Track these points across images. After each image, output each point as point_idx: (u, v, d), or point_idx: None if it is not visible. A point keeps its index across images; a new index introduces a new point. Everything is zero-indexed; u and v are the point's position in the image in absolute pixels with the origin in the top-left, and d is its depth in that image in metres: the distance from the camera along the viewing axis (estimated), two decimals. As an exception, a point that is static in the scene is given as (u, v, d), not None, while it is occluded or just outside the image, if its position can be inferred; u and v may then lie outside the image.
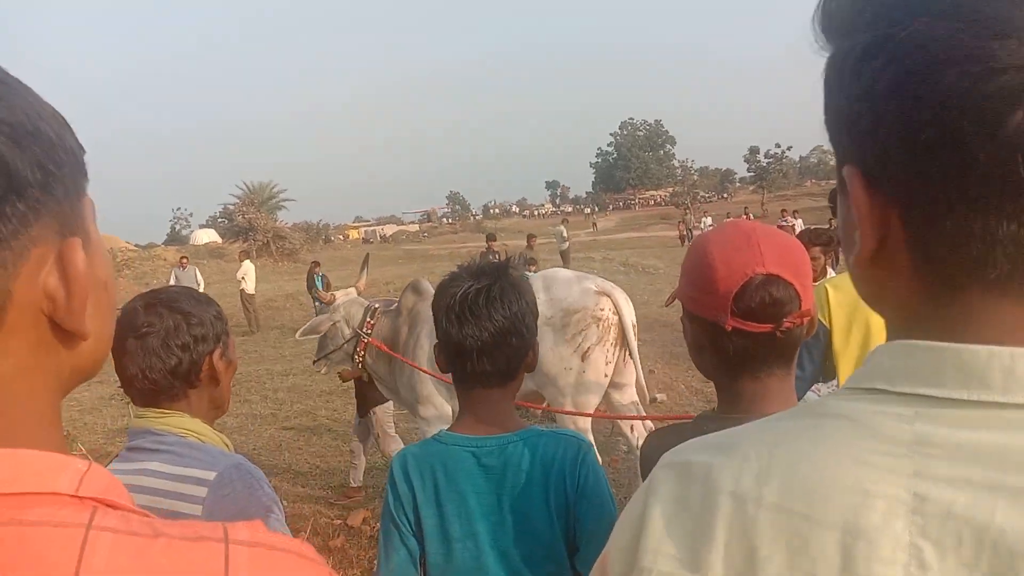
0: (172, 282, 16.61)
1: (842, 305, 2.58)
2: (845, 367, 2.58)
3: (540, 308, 5.02)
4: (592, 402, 4.70)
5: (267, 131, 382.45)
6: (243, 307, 17.23)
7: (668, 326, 15.44)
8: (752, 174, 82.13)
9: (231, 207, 48.78)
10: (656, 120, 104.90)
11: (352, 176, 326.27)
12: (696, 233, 35.00)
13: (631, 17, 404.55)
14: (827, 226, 5.27)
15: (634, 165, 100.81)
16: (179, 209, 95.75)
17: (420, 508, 1.50)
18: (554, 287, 4.73)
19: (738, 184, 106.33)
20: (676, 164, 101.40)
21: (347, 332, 5.18)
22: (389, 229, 79.52)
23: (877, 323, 2.48)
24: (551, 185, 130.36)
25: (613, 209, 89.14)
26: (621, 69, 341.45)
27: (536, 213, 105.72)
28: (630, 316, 4.80)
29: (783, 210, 26.25)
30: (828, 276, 4.88)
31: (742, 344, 1.15)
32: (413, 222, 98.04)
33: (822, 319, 2.59)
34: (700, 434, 1.22)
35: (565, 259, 26.32)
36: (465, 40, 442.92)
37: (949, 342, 0.49)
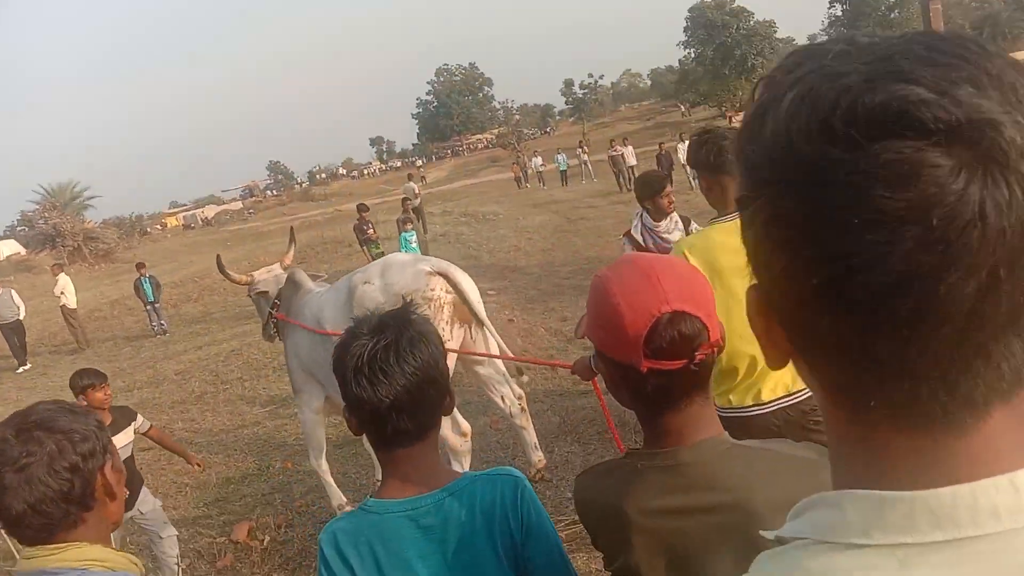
0: None
1: (702, 268, 2.62)
2: None
3: (375, 295, 4.95)
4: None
5: (56, 127, 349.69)
6: (67, 324, 15.84)
7: (518, 271, 15.69)
8: (570, 106, 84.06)
9: (31, 213, 44.51)
10: (471, 63, 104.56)
11: (159, 160, 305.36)
12: (530, 173, 35.54)
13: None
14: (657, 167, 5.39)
15: (455, 111, 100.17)
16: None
17: None
18: (388, 272, 4.82)
19: (558, 118, 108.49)
20: (497, 106, 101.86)
21: (266, 309, 5.49)
22: (210, 211, 74.98)
23: (738, 287, 2.55)
24: (375, 142, 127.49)
25: (441, 158, 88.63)
26: (428, 15, 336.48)
27: (364, 172, 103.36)
28: (472, 292, 4.90)
29: (612, 140, 26.93)
30: (672, 215, 5.05)
31: (659, 382, 1.16)
32: (235, 199, 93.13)
33: None
34: (635, 475, 1.21)
35: (420, 215, 26.13)
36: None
37: (907, 489, 0.49)
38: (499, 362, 5.12)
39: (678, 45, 63.01)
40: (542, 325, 10.88)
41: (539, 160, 34.16)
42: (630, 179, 24.72)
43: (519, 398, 5.12)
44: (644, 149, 29.18)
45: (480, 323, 4.92)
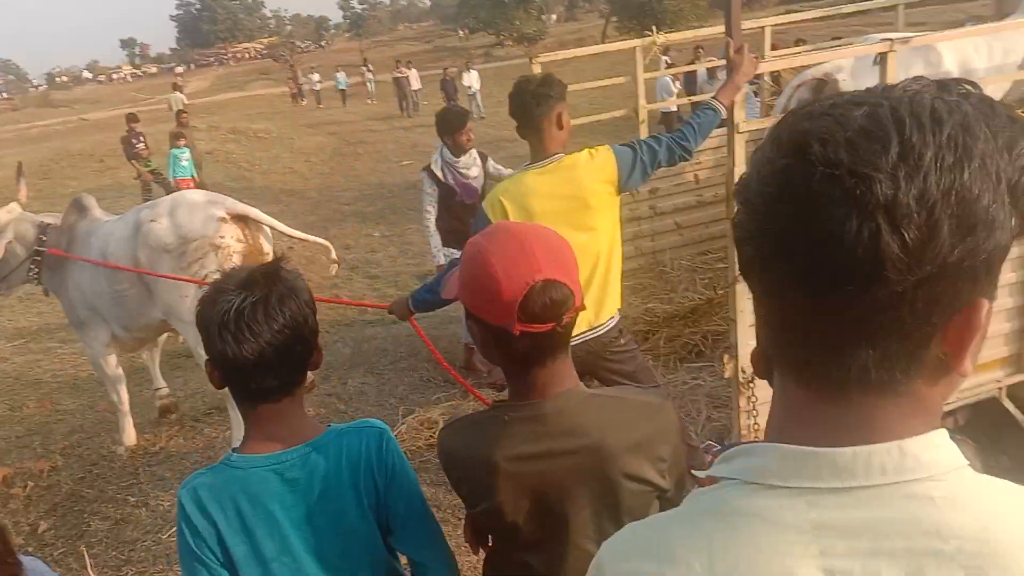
0: None
1: (517, 214, 2.73)
2: None
3: (161, 234, 4.69)
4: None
5: None
6: None
7: (295, 194, 15.08)
8: (347, 21, 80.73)
9: None
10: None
11: None
12: (305, 89, 33.57)
13: None
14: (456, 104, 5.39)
15: (221, 16, 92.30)
16: None
17: (226, 539, 1.41)
18: (178, 212, 4.49)
19: (333, 32, 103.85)
20: (268, 14, 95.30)
21: (21, 252, 4.82)
22: (-77, 110, 64.31)
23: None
24: (127, 43, 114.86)
25: (203, 67, 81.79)
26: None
27: (113, 78, 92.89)
28: (273, 224, 4.72)
29: (397, 61, 26.16)
30: (471, 151, 5.11)
31: (529, 343, 1.26)
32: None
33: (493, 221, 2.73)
34: (502, 426, 1.30)
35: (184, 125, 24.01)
36: None
37: (817, 446, 0.63)
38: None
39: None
40: (323, 254, 10.65)
41: (317, 77, 32.34)
42: (414, 104, 24.37)
43: None
44: (425, 73, 28.75)
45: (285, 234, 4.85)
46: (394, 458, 1.51)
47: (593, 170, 2.73)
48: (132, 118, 13.65)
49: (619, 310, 2.90)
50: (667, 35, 5.12)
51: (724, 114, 2.85)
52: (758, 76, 4.99)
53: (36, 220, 4.89)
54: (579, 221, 2.68)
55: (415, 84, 24.42)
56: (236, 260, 4.47)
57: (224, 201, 4.69)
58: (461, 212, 5.10)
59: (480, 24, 60.81)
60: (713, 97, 2.88)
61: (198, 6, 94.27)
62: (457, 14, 68.53)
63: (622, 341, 2.85)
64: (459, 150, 5.00)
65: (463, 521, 1.57)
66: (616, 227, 2.82)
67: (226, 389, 1.45)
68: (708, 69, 11.76)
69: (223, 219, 4.48)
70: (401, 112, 24.25)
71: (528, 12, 58.58)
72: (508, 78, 5.08)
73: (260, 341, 1.35)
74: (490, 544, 1.49)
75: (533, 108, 2.72)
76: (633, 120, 5.17)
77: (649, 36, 4.78)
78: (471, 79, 21.31)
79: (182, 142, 12.15)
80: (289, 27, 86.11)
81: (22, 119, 49.52)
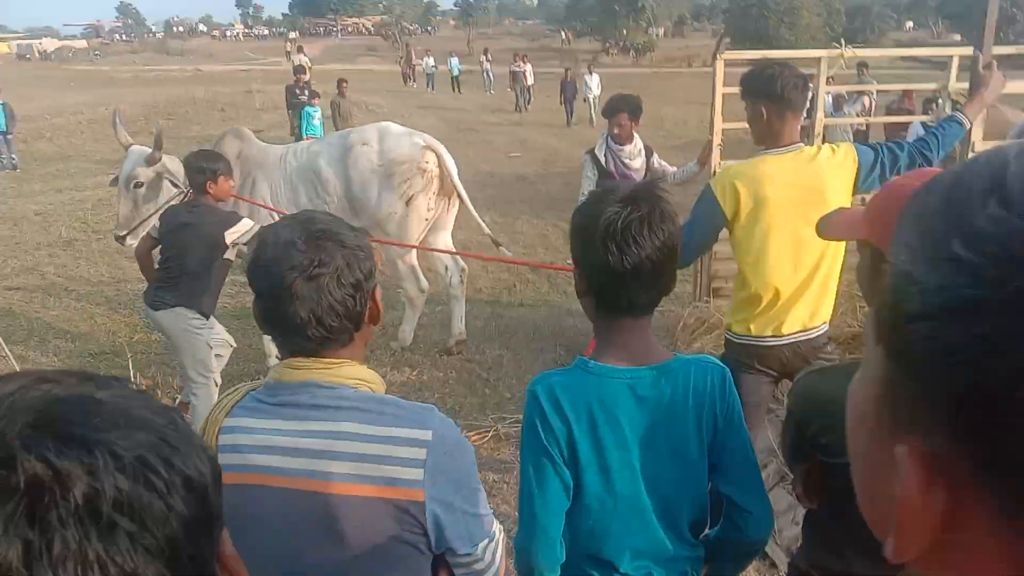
0: None
1: (750, 197, 2.69)
2: (743, 256, 2.79)
3: (371, 157, 5.08)
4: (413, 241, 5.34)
5: None
6: None
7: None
8: (458, 8, 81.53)
9: None
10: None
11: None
12: (418, 71, 33.81)
13: None
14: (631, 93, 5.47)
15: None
16: None
17: (576, 440, 1.48)
18: (387, 139, 5.19)
19: (440, 17, 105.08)
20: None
21: (172, 190, 4.81)
22: (48, 44, 67.39)
23: (779, 219, 2.71)
24: (242, 3, 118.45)
25: (313, 35, 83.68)
26: None
27: (226, 35, 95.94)
28: (454, 168, 5.35)
29: (515, 54, 26.06)
30: (635, 140, 5.19)
31: None
32: (76, 37, 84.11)
33: (722, 206, 2.75)
34: None
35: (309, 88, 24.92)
36: None
37: None
38: (449, 232, 5.72)
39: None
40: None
41: (431, 60, 32.10)
42: (528, 99, 24.17)
43: (461, 270, 5.71)
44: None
45: (460, 198, 5.45)
46: (734, 399, 1.54)
47: (834, 164, 2.69)
48: (300, 70, 14.37)
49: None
50: (855, 50, 5.11)
51: (968, 128, 2.85)
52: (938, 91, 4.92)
53: (173, 157, 4.93)
54: (811, 215, 2.59)
55: (530, 80, 24.26)
56: (435, 186, 5.18)
57: (421, 133, 5.39)
58: None
59: (587, 29, 60.96)
60: (959, 110, 2.87)
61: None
62: (565, 16, 68.90)
63: (828, 349, 2.84)
64: (624, 137, 5.04)
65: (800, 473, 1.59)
66: None
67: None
68: (835, 97, 11.56)
69: (426, 147, 5.19)
70: (516, 108, 24.05)
71: (637, 23, 58.50)
72: (615, 87, 5.15)
73: (641, 254, 1.40)
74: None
75: (794, 93, 2.66)
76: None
77: (838, 48, 4.79)
78: (592, 83, 20.78)
79: (316, 101, 12.64)
80: (399, 8, 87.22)
81: (138, 62, 51.64)
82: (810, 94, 2.84)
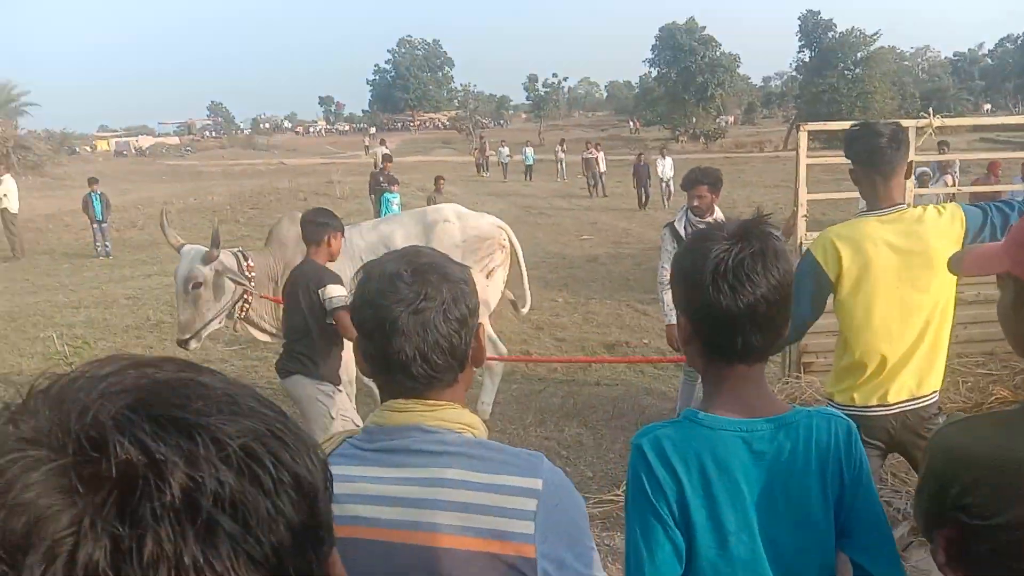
0: None
1: (853, 259, 2.57)
2: (846, 321, 2.65)
3: (454, 233, 5.18)
4: (485, 315, 5.49)
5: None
6: (5, 229, 14.96)
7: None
8: (529, 102, 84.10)
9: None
10: (435, 40, 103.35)
11: (93, 79, 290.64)
12: (492, 161, 35.00)
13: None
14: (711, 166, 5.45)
15: (413, 86, 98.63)
16: None
17: (687, 499, 1.35)
18: (467, 218, 5.53)
19: (511, 112, 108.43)
20: (458, 87, 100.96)
21: (234, 288, 4.62)
22: (144, 141, 72.09)
23: (884, 283, 2.58)
24: (324, 101, 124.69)
25: (391, 130, 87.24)
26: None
27: (309, 131, 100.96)
28: (519, 247, 5.83)
29: (587, 143, 26.70)
30: (715, 213, 5.12)
31: None
32: (169, 135, 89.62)
33: (825, 269, 2.62)
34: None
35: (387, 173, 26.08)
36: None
37: None
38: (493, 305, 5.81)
39: (643, 62, 63.88)
40: (509, 310, 10.93)
41: (506, 150, 33.12)
42: (599, 185, 24.56)
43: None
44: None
45: (521, 274, 5.90)
46: (862, 455, 1.41)
47: (940, 227, 2.56)
48: (387, 158, 14.98)
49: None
50: (944, 119, 4.99)
51: None
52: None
53: (231, 251, 4.82)
54: (915, 278, 2.53)
55: (602, 166, 24.68)
56: (508, 262, 5.59)
57: (490, 215, 5.89)
58: None
59: (657, 117, 61.93)
60: None
61: (393, 74, 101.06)
62: (634, 106, 70.29)
63: (939, 420, 2.66)
64: (703, 210, 4.97)
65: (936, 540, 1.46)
66: (952, 294, 2.62)
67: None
68: (919, 175, 11.33)
69: (500, 226, 5.62)
70: (588, 193, 24.44)
71: (707, 111, 59.21)
72: (687, 170, 5.18)
73: (757, 292, 1.30)
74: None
75: (890, 152, 2.56)
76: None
77: (926, 118, 4.69)
78: (665, 166, 20.97)
79: (395, 188, 13.08)
80: (473, 104, 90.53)
81: (227, 156, 54.52)
82: (910, 154, 2.72)
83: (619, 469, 4.61)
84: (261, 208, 19.93)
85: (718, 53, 60.21)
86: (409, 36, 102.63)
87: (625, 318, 9.59)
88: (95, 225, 14.86)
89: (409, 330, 1.20)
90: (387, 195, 13.14)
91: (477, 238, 5.33)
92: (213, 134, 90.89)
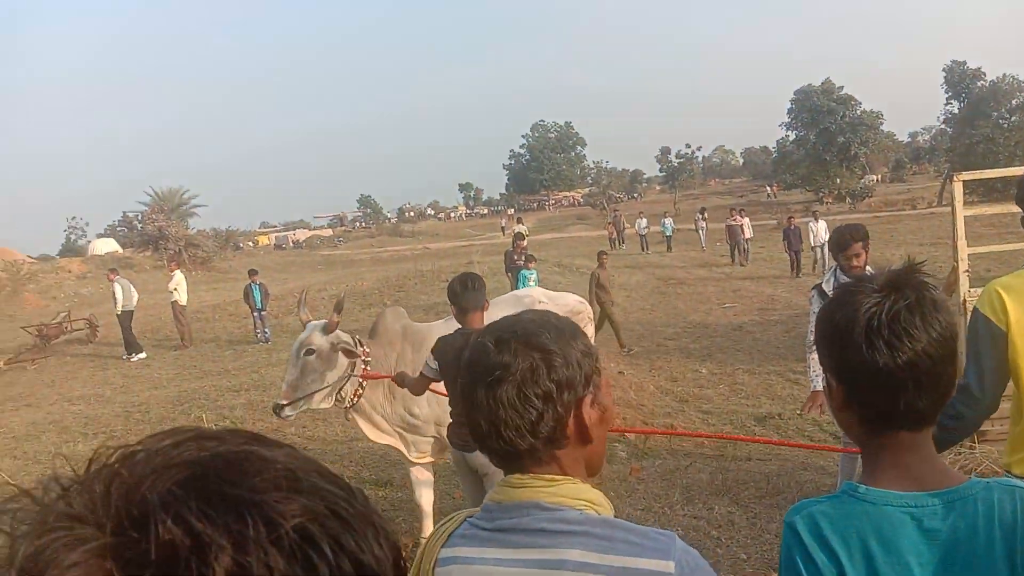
0: (119, 294, 15.56)
1: (1016, 311, 2.35)
2: (1019, 381, 2.36)
3: (550, 309, 5.13)
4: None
5: (156, 138, 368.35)
6: (176, 319, 16.27)
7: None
8: (663, 174, 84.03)
9: (131, 215, 46.48)
10: (567, 122, 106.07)
11: (254, 181, 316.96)
12: (627, 233, 35.09)
13: (545, 19, 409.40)
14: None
15: (547, 167, 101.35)
16: (74, 218, 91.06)
17: None
18: (555, 298, 5.93)
19: (645, 184, 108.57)
20: (591, 165, 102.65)
21: (344, 363, 4.57)
22: (301, 234, 77.40)
23: None
24: (464, 187, 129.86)
25: (527, 210, 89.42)
26: (531, 74, 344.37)
27: (450, 216, 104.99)
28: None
29: (731, 209, 26.15)
30: (866, 272, 4.81)
31: None
32: (323, 227, 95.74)
33: (995, 321, 2.36)
34: None
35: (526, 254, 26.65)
36: (370, 34, 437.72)
37: None
38: None
39: (780, 126, 62.71)
40: (651, 382, 10.64)
41: (644, 222, 32.75)
42: (745, 252, 23.65)
43: None
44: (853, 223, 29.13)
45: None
46: None
47: None
48: (519, 236, 15.39)
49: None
50: None
51: None
52: None
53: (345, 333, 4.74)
54: None
55: (747, 232, 23.74)
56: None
57: (574, 294, 6.48)
58: None
59: (798, 180, 60.15)
60: None
61: (528, 157, 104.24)
62: (774, 170, 68.65)
63: None
64: (852, 271, 4.69)
65: None
66: None
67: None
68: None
69: (582, 302, 6.16)
70: (732, 261, 23.51)
71: (850, 169, 56.95)
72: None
73: (917, 348, 1.16)
74: None
75: None
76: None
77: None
78: (819, 229, 19.20)
79: (532, 264, 13.30)
80: (606, 180, 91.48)
81: (376, 244, 57.46)
82: None
83: (776, 550, 4.27)
84: (406, 291, 20.73)
85: (859, 111, 58.28)
86: (542, 120, 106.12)
87: (776, 388, 9.13)
88: (255, 313, 15.87)
89: (480, 404, 1.15)
90: (524, 272, 13.37)
91: (571, 312, 5.46)
92: (363, 224, 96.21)
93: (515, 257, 14.91)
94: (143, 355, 15.35)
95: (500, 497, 1.18)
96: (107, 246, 47.29)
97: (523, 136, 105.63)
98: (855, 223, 5.00)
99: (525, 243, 16.37)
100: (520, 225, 24.21)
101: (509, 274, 15.40)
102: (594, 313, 12.31)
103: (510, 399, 1.13)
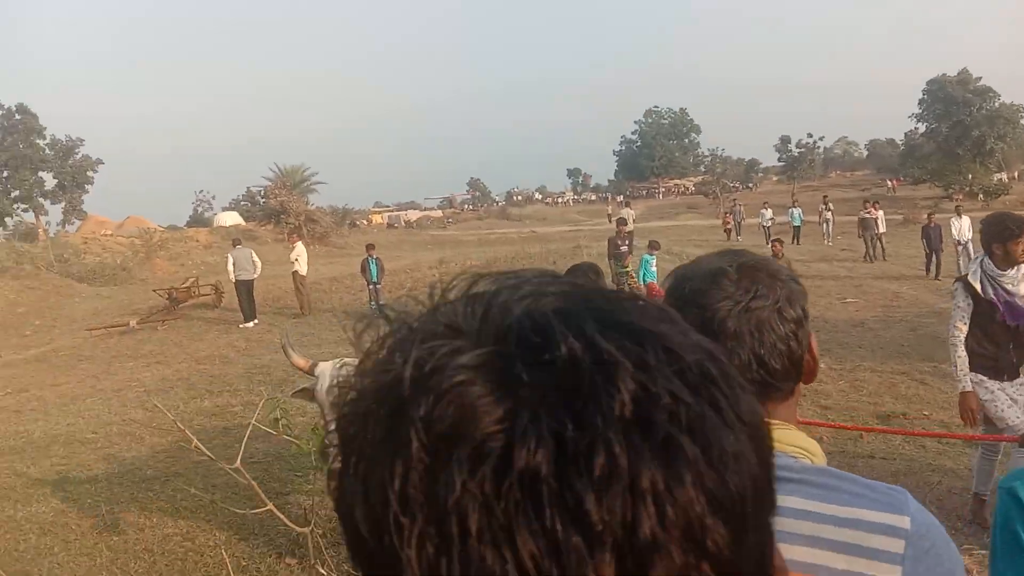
0: (230, 265, 16.36)
1: None
2: None
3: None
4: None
5: (280, 113, 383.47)
6: (296, 289, 16.98)
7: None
8: (782, 163, 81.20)
9: (255, 190, 48.73)
10: (681, 108, 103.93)
11: (369, 163, 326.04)
12: (744, 224, 32.89)
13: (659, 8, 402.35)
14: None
15: (658, 153, 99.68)
16: (201, 192, 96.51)
17: None
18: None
19: (761, 174, 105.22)
20: (705, 152, 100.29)
21: None
22: (412, 215, 79.06)
23: None
24: (572, 173, 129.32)
25: (636, 198, 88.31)
26: (647, 57, 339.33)
27: (557, 201, 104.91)
28: None
29: (865, 201, 24.67)
30: (1017, 264, 4.50)
31: None
32: (433, 208, 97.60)
33: None
34: None
35: (629, 241, 26.33)
36: (484, 23, 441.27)
37: None
38: None
39: (910, 117, 59.54)
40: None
41: (768, 213, 30.12)
42: (882, 248, 22.20)
43: None
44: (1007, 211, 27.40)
45: None
46: None
47: None
48: (622, 222, 15.29)
49: None
50: None
51: None
52: None
53: None
54: None
55: (882, 227, 22.04)
56: None
57: None
58: (1000, 334, 4.46)
59: (927, 174, 56.95)
60: None
61: (639, 143, 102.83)
62: (902, 163, 65.23)
63: None
64: (1008, 261, 4.39)
65: None
66: None
67: None
68: None
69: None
70: (865, 257, 21.79)
71: (984, 165, 53.53)
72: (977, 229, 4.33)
73: None
74: None
75: None
76: None
77: None
78: (962, 226, 17.35)
79: (653, 250, 13.21)
80: (720, 168, 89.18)
81: (482, 227, 58.08)
82: None
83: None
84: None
85: (997, 104, 54.70)
86: (656, 106, 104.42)
87: (900, 387, 8.72)
88: (370, 287, 16.35)
89: (740, 331, 1.05)
90: (646, 256, 13.47)
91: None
92: (471, 207, 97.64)
93: (618, 243, 14.68)
94: (255, 322, 16.07)
95: None
96: (231, 219, 49.66)
97: (636, 122, 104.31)
98: (1010, 214, 4.70)
99: (629, 228, 16.19)
100: (627, 209, 23.81)
101: (611, 260, 15.18)
102: None
103: (772, 324, 1.07)
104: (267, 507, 2.47)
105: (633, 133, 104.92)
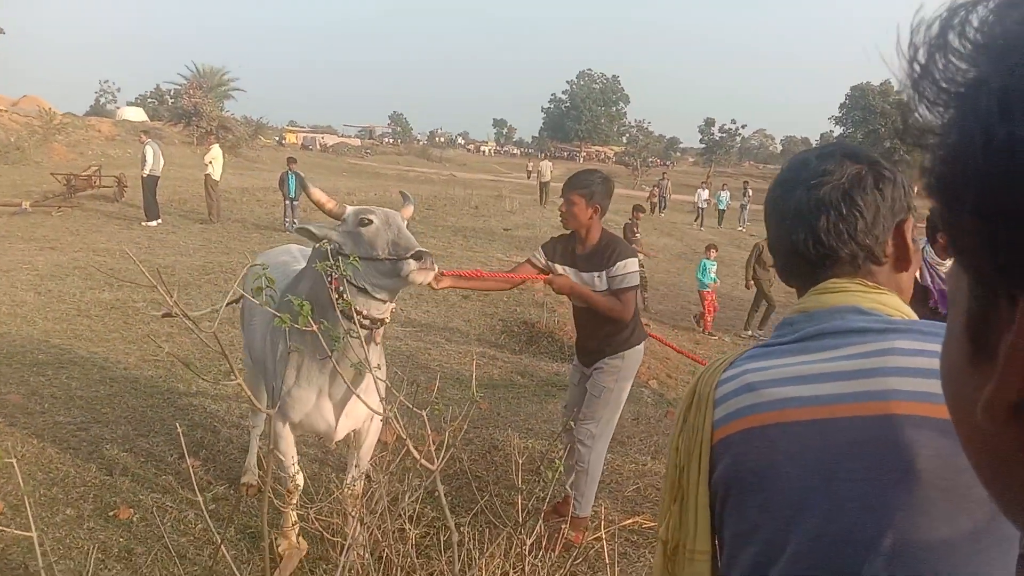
0: (149, 156, 15.36)
1: None
2: None
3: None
4: None
5: (199, 10, 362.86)
6: (206, 193, 16.20)
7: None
8: (702, 145, 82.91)
9: (164, 87, 46.06)
10: (614, 75, 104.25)
11: (287, 79, 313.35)
12: (669, 200, 32.63)
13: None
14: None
15: (585, 117, 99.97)
16: (106, 82, 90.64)
17: None
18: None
19: (679, 154, 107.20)
20: (632, 123, 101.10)
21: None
22: (329, 139, 76.62)
23: None
24: (498, 123, 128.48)
25: (557, 158, 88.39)
26: (583, 21, 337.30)
27: (480, 150, 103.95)
28: None
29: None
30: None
31: None
32: (351, 136, 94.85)
33: None
34: None
35: (544, 192, 26.57)
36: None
37: None
38: None
39: (829, 119, 61.68)
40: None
41: (704, 193, 29.12)
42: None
43: None
44: None
45: None
46: None
47: None
48: (639, 208, 13.77)
49: None
50: None
51: None
52: None
53: None
54: None
55: None
56: None
57: None
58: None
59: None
60: None
61: (568, 104, 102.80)
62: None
63: None
64: (946, 252, 4.56)
65: None
66: None
67: None
68: None
69: None
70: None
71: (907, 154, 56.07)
72: None
73: None
74: None
75: None
76: None
77: None
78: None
79: (711, 253, 12.35)
80: (643, 141, 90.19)
81: (401, 163, 56.97)
82: None
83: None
84: (435, 210, 20.58)
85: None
86: (589, 69, 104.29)
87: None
88: (287, 201, 15.78)
89: (801, 207, 1.13)
90: (705, 262, 12.74)
91: None
92: (391, 141, 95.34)
93: (634, 229, 13.64)
94: (158, 221, 15.30)
95: (809, 305, 1.12)
96: (136, 114, 46.86)
97: (567, 82, 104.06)
98: None
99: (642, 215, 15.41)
100: (546, 162, 24.73)
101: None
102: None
103: (834, 200, 1.11)
104: (236, 381, 2.31)
105: (564, 92, 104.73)
